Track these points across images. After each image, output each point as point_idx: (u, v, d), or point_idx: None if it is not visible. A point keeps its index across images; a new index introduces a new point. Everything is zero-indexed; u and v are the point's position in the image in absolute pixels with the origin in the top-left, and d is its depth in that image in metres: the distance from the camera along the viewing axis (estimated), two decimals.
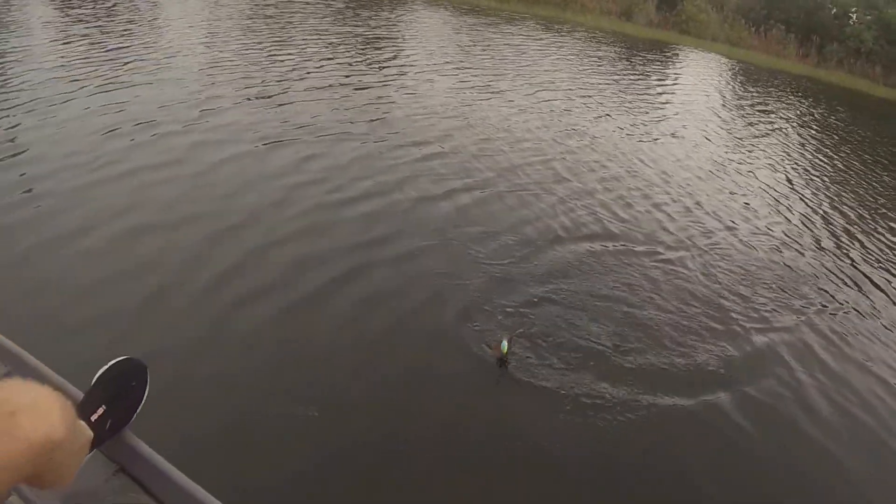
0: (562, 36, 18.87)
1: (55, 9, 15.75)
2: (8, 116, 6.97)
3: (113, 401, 2.02)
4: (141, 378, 2.13)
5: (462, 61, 13.36)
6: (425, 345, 4.23)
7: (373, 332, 4.23)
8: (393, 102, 9.51)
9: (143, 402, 2.12)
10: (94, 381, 2.07)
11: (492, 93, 10.81)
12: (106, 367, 2.13)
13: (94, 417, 1.96)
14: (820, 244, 7.22)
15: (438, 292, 4.75)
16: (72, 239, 4.77)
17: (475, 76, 11.93)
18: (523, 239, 5.71)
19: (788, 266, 6.37)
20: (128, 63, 10.01)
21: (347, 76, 10.83)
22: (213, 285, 4.46)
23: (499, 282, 4.98)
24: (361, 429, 3.46)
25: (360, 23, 17.10)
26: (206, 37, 13.32)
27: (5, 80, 8.29)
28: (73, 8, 15.56)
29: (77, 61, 9.83)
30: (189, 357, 3.76)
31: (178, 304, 4.23)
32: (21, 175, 5.66)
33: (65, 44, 11.15)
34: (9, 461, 1.33)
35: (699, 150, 10.42)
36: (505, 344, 3.95)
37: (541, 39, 17.64)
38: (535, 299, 4.81)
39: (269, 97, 8.94)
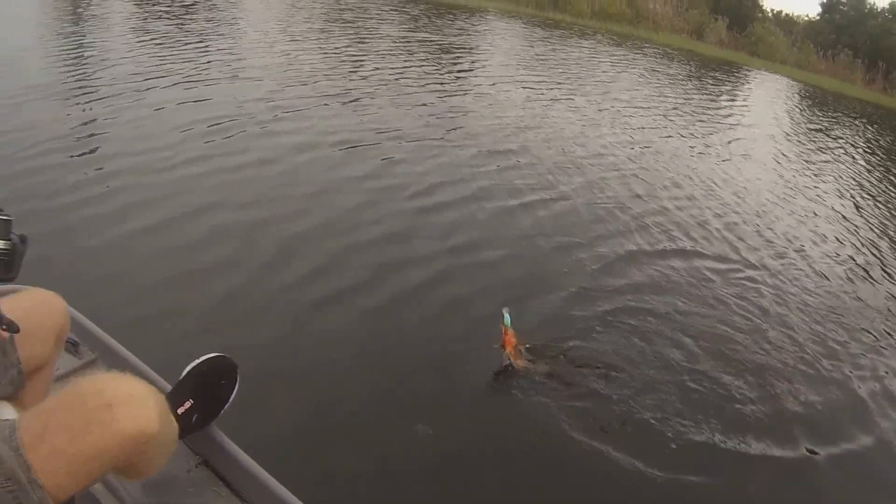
0: (633, 52, 18.77)
1: (135, 5, 16.17)
2: (86, 111, 7.07)
3: (201, 395, 2.19)
4: (231, 377, 2.25)
5: (535, 73, 13.31)
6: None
7: (446, 337, 4.14)
8: (469, 111, 9.50)
9: (230, 400, 2.22)
10: (184, 373, 2.21)
11: (565, 105, 10.73)
12: (198, 361, 2.23)
13: (180, 410, 2.08)
14: (892, 276, 6.97)
15: (513, 302, 4.50)
16: (151, 233, 4.79)
17: (549, 88, 11.84)
18: (597, 254, 5.60)
19: (861, 299, 6.09)
20: (206, 61, 10.15)
21: (423, 83, 10.85)
22: (292, 284, 4.43)
23: (573, 295, 4.86)
24: (445, 432, 3.37)
25: (435, 31, 17.18)
26: (284, 38, 13.45)
27: (85, 74, 8.40)
28: (152, 5, 15.97)
29: (156, 58, 9.96)
30: (271, 354, 3.73)
31: (258, 303, 4.21)
32: (98, 169, 5.71)
33: (143, 40, 11.32)
34: (103, 451, 1.50)
35: (768, 171, 10.25)
36: (507, 317, 3.63)
37: (613, 55, 17.51)
38: (608, 316, 4.64)
39: (345, 100, 8.97)
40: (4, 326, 1.63)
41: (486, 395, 3.76)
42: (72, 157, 5.94)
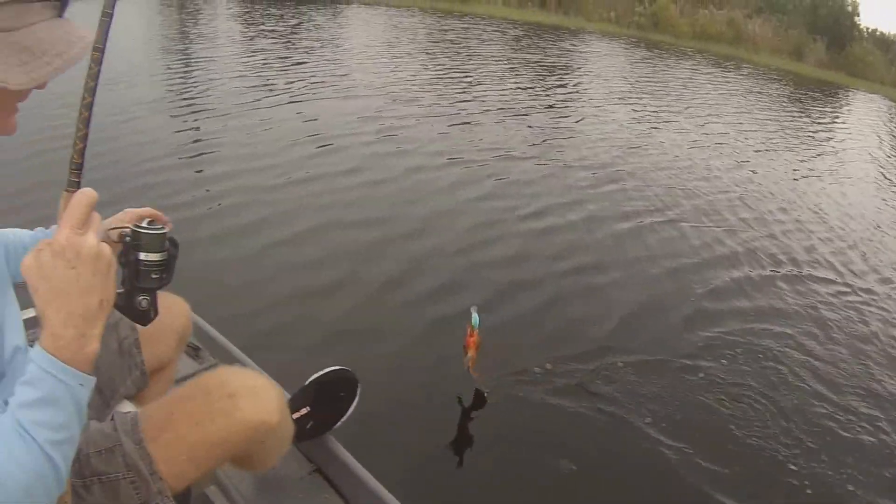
0: (734, 73, 18.54)
1: (242, 24, 16.90)
2: (197, 128, 7.42)
3: (318, 404, 2.25)
4: (351, 390, 2.29)
5: (639, 94, 13.23)
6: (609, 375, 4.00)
7: (557, 357, 4.04)
8: (575, 132, 9.49)
9: (349, 412, 2.26)
10: (307, 382, 2.29)
11: (669, 126, 10.64)
12: (321, 372, 2.31)
13: (296, 415, 2.12)
14: None
15: (623, 322, 4.59)
16: (272, 248, 4.92)
17: (652, 109, 11.77)
18: (705, 278, 5.49)
19: None
20: (313, 80, 10.48)
21: (528, 104, 10.94)
22: (411, 302, 4.45)
23: (683, 318, 4.78)
24: (559, 454, 3.28)
25: (538, 51, 17.29)
26: (389, 58, 13.84)
27: (193, 91, 8.80)
28: (258, 25, 16.68)
29: (262, 76, 10.34)
30: (391, 370, 3.70)
31: (378, 319, 4.22)
32: (209, 186, 5.94)
33: (250, 58, 11.79)
34: (225, 440, 1.56)
35: (873, 195, 9.96)
36: (476, 317, 3.23)
37: (714, 76, 17.23)
38: (716, 340, 4.52)
39: (452, 120, 9.12)
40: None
41: (607, 422, 3.61)
42: (183, 172, 6.23)
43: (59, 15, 1.11)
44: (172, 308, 1.97)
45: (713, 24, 24.64)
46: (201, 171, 6.40)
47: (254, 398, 1.62)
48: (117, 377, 1.83)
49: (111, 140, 6.59)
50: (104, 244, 1.03)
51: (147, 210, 1.66)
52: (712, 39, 23.95)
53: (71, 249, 1.00)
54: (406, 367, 3.82)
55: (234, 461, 1.70)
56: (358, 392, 2.31)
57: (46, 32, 1.07)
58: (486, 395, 3.62)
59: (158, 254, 1.27)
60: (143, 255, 1.25)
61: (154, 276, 1.26)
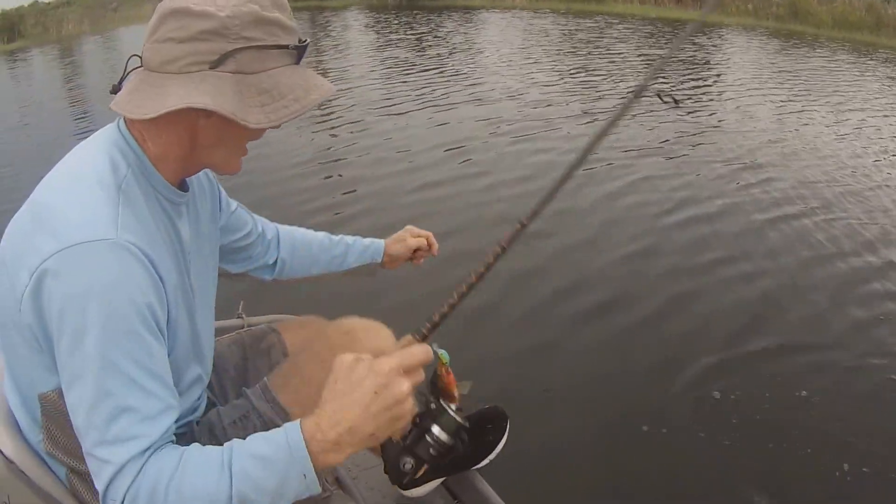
0: (875, 61, 17.82)
1: (374, 34, 17.46)
2: (329, 129, 7.76)
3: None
4: (499, 425, 2.13)
5: (778, 86, 12.72)
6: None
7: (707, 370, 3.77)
8: (713, 125, 9.26)
9: (498, 449, 2.08)
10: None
11: (809, 117, 10.18)
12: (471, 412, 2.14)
13: None
14: None
15: (760, 317, 4.35)
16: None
17: (791, 101, 11.29)
18: (843, 270, 5.10)
19: None
20: (445, 86, 10.70)
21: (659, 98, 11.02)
22: (555, 315, 4.26)
23: (824, 310, 4.48)
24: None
25: (668, 47, 17.30)
26: (521, 61, 13.96)
27: (325, 100, 9.42)
28: (387, 33, 17.18)
29: (395, 83, 10.65)
30: (540, 399, 3.48)
31: (516, 336, 4.01)
32: (347, 192, 6.16)
33: (381, 66, 12.20)
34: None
35: None
36: (443, 353, 1.79)
37: (855, 64, 16.19)
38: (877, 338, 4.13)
39: (581, 115, 9.18)
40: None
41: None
42: (320, 179, 6.49)
43: (296, 62, 1.20)
44: (324, 333, 1.93)
45: (853, 11, 23.49)
46: (341, 175, 6.74)
47: (370, 331, 1.75)
48: None
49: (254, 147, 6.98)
50: (411, 400, 1.07)
51: (426, 233, 2.07)
52: (853, 27, 22.82)
53: (385, 379, 1.05)
54: (560, 399, 3.53)
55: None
56: (507, 427, 2.15)
57: (285, 77, 1.16)
58: (626, 417, 3.32)
59: (449, 437, 1.25)
60: (436, 430, 1.25)
61: (431, 453, 1.24)
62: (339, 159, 7.27)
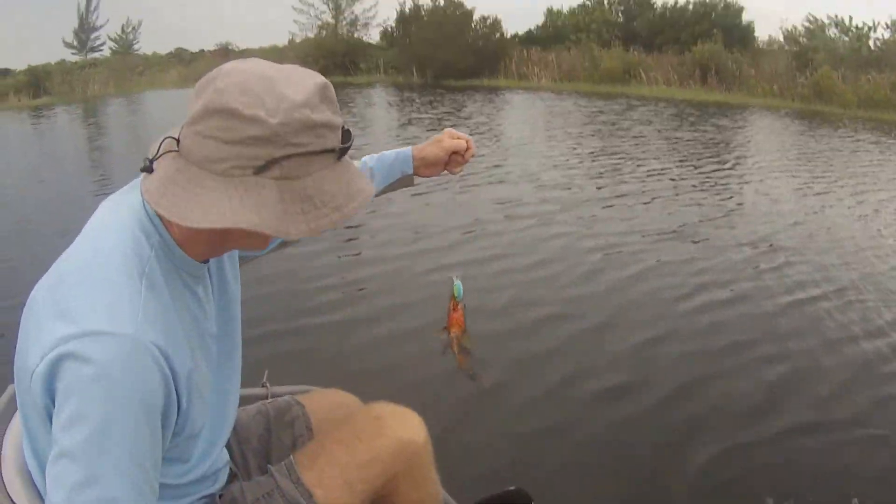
0: None
1: (397, 111, 17.92)
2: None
3: None
4: None
5: (797, 166, 12.87)
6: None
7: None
8: (735, 208, 9.33)
9: None
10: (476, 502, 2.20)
11: (828, 197, 10.16)
12: (491, 494, 2.20)
13: None
14: None
15: (776, 396, 4.36)
16: (409, 325, 5.01)
17: (810, 180, 11.37)
18: (873, 361, 5.00)
19: None
20: (467, 166, 11.19)
21: (681, 179, 10.94)
22: (578, 396, 4.30)
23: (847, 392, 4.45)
24: None
25: (694, 129, 17.27)
26: (542, 141, 14.30)
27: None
28: (408, 113, 17.59)
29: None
30: (566, 481, 3.49)
31: (539, 415, 4.04)
32: (355, 255, 6.31)
33: (400, 144, 12.58)
34: (375, 457, 1.63)
35: None
36: (459, 285, 2.09)
37: (880, 145, 16.47)
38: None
39: (601, 199, 9.33)
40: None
41: None
42: (333, 256, 6.71)
43: (339, 158, 1.17)
44: (346, 405, 2.03)
45: (878, 90, 23.75)
46: (357, 253, 6.93)
47: (399, 418, 1.77)
48: None
49: None
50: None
51: (465, 137, 1.98)
52: (878, 106, 23.03)
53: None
54: (578, 480, 3.53)
55: (384, 493, 1.72)
56: None
57: (328, 182, 1.14)
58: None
59: None
60: None
61: None
62: (352, 238, 7.46)
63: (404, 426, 1.75)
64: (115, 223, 1.21)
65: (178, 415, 1.19)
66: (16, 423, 1.41)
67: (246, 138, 1.07)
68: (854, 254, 7.49)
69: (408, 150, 2.01)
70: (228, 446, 1.71)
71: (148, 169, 1.17)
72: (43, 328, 1.08)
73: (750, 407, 4.29)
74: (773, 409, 4.29)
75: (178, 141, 1.16)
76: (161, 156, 1.17)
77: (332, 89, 1.18)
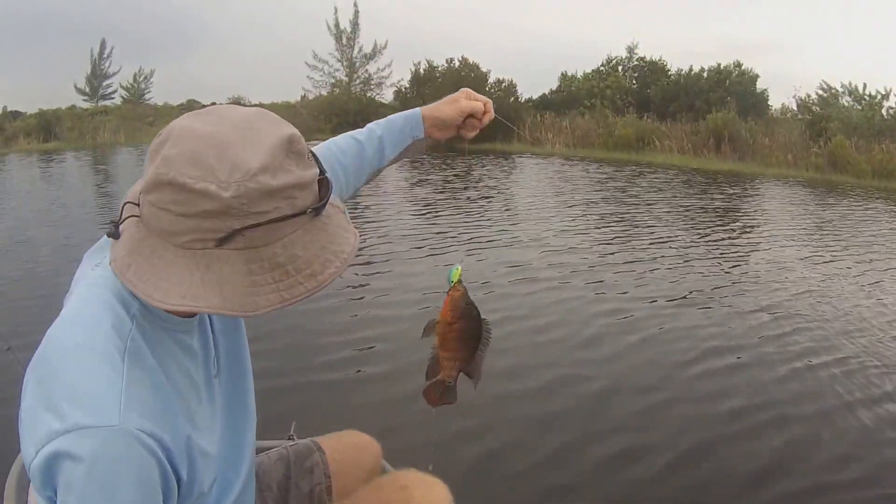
0: None
1: (408, 171, 18.27)
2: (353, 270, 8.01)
3: None
4: None
5: (808, 236, 13.03)
6: None
7: None
8: (739, 277, 9.49)
9: None
10: None
11: (842, 269, 10.25)
12: None
13: None
14: None
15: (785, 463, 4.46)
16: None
17: (825, 252, 11.46)
18: (876, 426, 5.15)
19: None
20: (468, 228, 11.42)
21: (689, 247, 11.15)
22: (589, 457, 4.42)
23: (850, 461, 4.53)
24: None
25: (706, 197, 17.47)
26: (552, 206, 14.57)
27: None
28: (417, 174, 17.99)
29: (418, 222, 11.53)
30: None
31: (565, 474, 4.20)
32: (353, 315, 6.53)
33: (408, 204, 13.16)
34: None
35: None
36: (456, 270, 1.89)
37: (887, 212, 16.81)
38: None
39: (610, 265, 9.54)
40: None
41: None
42: (333, 317, 6.80)
43: (316, 215, 1.11)
44: (363, 446, 2.09)
45: (892, 160, 23.99)
46: (355, 315, 7.03)
47: (425, 488, 1.78)
48: None
49: None
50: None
51: (483, 99, 1.91)
52: (893, 176, 23.23)
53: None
54: None
55: None
56: None
57: (303, 247, 1.08)
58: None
59: None
60: None
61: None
62: (359, 297, 7.60)
63: (430, 495, 1.76)
64: (92, 298, 1.17)
65: (179, 487, 1.15)
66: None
67: (200, 212, 1.02)
68: (858, 323, 7.60)
69: (417, 111, 1.89)
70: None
71: (114, 234, 1.14)
72: (35, 420, 1.04)
73: (753, 472, 4.42)
74: (775, 474, 4.40)
75: (138, 205, 1.13)
76: (124, 220, 1.14)
77: (301, 141, 1.12)
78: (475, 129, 1.91)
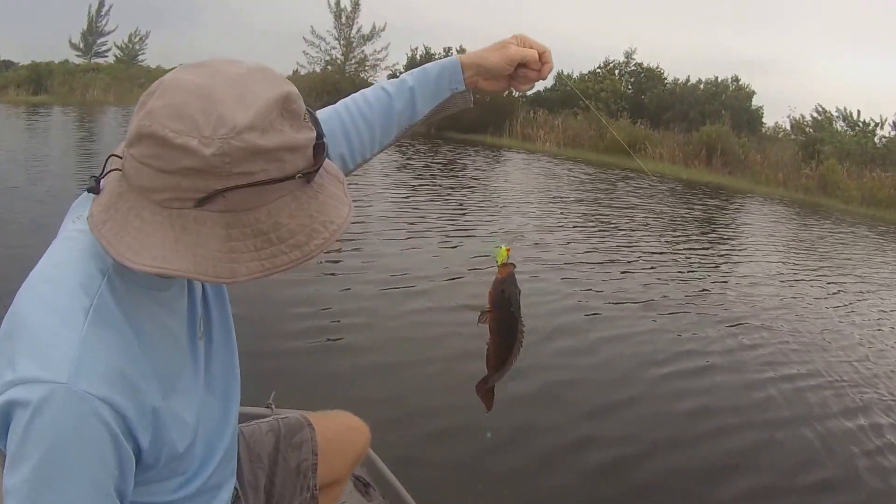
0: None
1: (398, 154, 18.29)
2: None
3: None
4: None
5: (795, 256, 13.17)
6: None
7: None
8: (715, 288, 9.58)
9: None
10: None
11: (820, 289, 10.37)
12: None
13: None
14: None
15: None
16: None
17: (804, 271, 11.61)
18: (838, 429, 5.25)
19: None
20: (451, 216, 11.56)
21: (665, 254, 11.23)
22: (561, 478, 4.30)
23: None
24: None
25: (690, 208, 17.66)
26: (535, 204, 14.72)
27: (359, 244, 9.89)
28: (404, 160, 18.15)
29: (402, 206, 11.71)
30: None
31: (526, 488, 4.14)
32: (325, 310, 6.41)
33: (392, 188, 13.36)
34: None
35: None
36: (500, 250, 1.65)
37: (877, 242, 16.89)
38: None
39: (581, 265, 9.57)
40: None
41: None
42: (309, 291, 6.82)
43: (308, 182, 1.06)
44: (354, 429, 2.09)
45: (882, 188, 24.27)
46: (329, 290, 7.06)
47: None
48: (288, 494, 1.89)
49: None
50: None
51: (539, 46, 1.62)
52: (882, 204, 23.48)
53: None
54: None
55: None
56: None
57: (289, 215, 1.04)
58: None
59: None
60: None
61: None
62: (332, 273, 7.64)
63: None
64: (64, 253, 1.15)
65: (140, 452, 1.13)
66: None
67: (180, 169, 0.98)
68: (822, 340, 7.75)
69: (455, 59, 1.66)
70: (239, 461, 1.71)
71: (94, 189, 1.11)
72: None
73: (710, 470, 4.54)
74: (732, 473, 4.52)
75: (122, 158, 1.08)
76: (107, 174, 1.10)
77: (298, 100, 1.07)
78: (529, 82, 1.66)
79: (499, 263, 1.62)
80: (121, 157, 1.08)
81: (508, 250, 1.64)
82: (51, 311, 1.06)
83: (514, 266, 1.62)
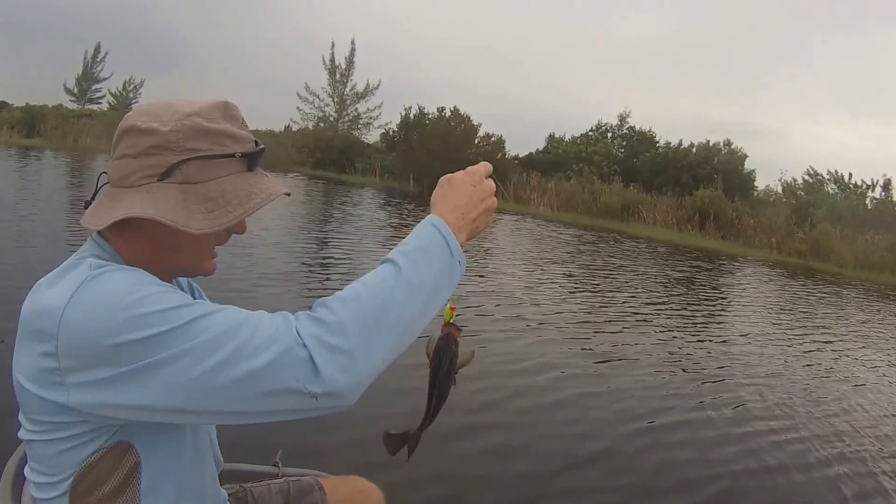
0: (887, 304, 18.40)
1: (385, 213, 18.37)
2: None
3: None
4: None
5: (791, 320, 13.26)
6: None
7: None
8: (710, 351, 9.67)
9: None
10: None
11: (817, 356, 10.41)
12: None
13: None
14: None
15: None
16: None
17: (800, 336, 11.70)
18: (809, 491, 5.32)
19: None
20: None
21: (668, 320, 11.32)
22: None
23: None
24: None
25: (685, 270, 17.89)
26: (522, 265, 14.89)
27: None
28: (391, 219, 18.30)
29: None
30: None
31: None
32: None
33: (377, 246, 12.87)
34: None
35: None
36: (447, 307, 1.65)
37: (871, 308, 17.04)
38: None
39: (565, 327, 9.64)
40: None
41: None
42: None
43: (249, 169, 1.33)
44: (367, 494, 2.12)
45: (875, 252, 24.50)
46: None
47: None
48: None
49: None
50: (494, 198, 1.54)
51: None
52: (875, 268, 23.68)
53: (478, 178, 1.53)
54: None
55: None
56: None
57: (232, 185, 1.28)
58: None
59: None
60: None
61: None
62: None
63: None
64: (71, 260, 1.30)
65: None
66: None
67: (147, 148, 1.24)
68: (803, 398, 7.85)
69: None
70: None
71: (88, 204, 1.35)
72: (28, 350, 1.19)
73: None
74: None
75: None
76: (98, 190, 1.35)
77: (237, 111, 1.35)
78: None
79: (445, 322, 1.70)
80: (107, 173, 1.34)
81: (454, 308, 1.70)
82: (65, 290, 1.18)
83: (458, 328, 1.71)
